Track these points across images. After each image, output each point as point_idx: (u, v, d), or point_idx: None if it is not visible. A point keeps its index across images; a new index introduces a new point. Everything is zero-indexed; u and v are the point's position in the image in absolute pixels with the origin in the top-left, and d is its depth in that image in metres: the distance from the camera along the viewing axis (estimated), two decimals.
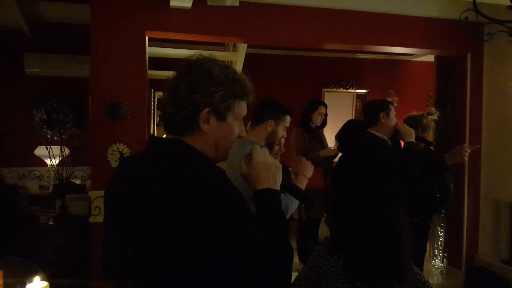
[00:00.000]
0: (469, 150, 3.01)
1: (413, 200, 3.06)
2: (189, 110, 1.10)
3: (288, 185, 1.56)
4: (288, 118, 2.30)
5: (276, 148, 2.34)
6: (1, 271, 1.74)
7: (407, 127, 2.99)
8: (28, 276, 1.84)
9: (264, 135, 2.25)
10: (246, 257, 1.02)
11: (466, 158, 3.03)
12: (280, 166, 1.28)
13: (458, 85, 4.25)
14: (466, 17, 2.86)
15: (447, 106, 4.36)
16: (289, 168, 2.25)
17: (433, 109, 4.36)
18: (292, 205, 2.03)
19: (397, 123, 3.03)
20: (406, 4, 3.79)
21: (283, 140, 2.35)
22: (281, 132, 2.29)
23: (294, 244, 4.27)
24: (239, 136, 1.22)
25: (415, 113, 3.62)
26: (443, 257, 4.54)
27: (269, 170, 1.23)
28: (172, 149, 1.13)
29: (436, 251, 4.60)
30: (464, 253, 4.21)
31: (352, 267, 1.63)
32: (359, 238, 1.64)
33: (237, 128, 1.19)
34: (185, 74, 1.13)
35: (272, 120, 2.24)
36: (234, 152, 2.16)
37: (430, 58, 5.66)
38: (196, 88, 1.10)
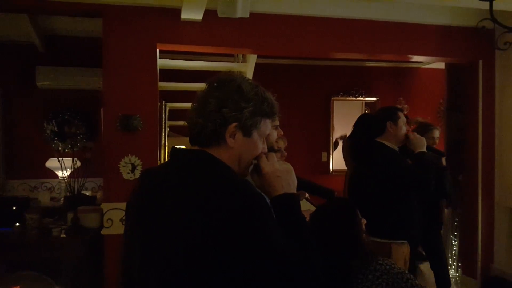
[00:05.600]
0: None
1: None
2: (217, 123, 1.12)
3: (304, 184, 1.54)
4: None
5: (279, 155, 2.28)
6: (18, 286, 1.73)
7: (418, 136, 2.81)
8: None
9: None
10: (274, 266, 1.03)
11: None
12: (291, 169, 1.26)
13: (469, 92, 4.21)
14: (483, 26, 2.82)
15: (458, 113, 4.32)
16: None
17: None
18: None
19: (407, 131, 2.89)
20: (417, 13, 3.77)
21: (281, 143, 2.26)
22: (271, 136, 2.07)
23: None
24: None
25: (421, 119, 3.54)
26: (458, 266, 4.47)
27: (280, 176, 1.21)
28: (198, 160, 1.14)
29: (450, 260, 4.53)
30: (479, 263, 4.14)
31: None
32: None
33: (261, 145, 1.21)
34: (216, 88, 1.15)
35: None
36: None
37: (440, 65, 5.63)
38: (226, 102, 1.12)
